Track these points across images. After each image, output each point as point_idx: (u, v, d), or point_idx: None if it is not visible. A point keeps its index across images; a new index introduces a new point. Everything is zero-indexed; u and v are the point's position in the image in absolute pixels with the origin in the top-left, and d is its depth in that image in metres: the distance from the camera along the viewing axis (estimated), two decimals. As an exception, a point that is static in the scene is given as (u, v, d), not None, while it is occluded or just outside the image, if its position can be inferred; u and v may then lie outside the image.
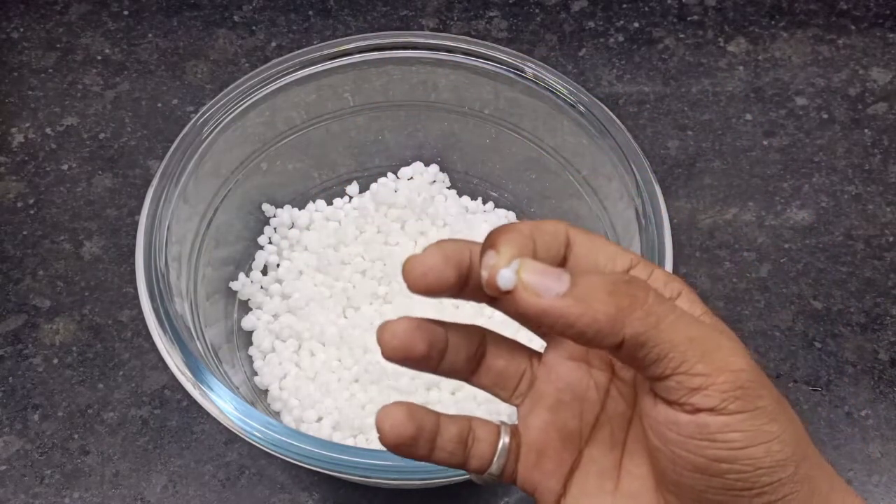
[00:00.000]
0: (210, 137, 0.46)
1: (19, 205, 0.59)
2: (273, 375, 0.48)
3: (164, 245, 0.42)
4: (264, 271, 0.53)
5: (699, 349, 0.24)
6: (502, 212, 0.54)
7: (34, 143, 0.61)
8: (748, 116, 0.62)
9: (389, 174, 0.56)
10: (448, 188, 0.54)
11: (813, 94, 0.62)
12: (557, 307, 0.24)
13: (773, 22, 0.65)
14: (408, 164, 0.55)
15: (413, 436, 0.27)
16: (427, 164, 0.55)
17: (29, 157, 0.61)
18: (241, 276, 0.52)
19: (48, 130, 0.63)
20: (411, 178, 0.55)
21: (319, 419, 0.47)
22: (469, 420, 0.29)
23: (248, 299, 0.51)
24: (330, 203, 0.55)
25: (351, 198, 0.55)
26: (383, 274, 0.50)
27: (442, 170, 0.56)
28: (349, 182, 0.56)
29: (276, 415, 0.47)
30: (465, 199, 0.55)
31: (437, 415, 0.28)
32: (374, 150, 0.54)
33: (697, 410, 0.24)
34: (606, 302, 0.24)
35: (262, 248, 0.54)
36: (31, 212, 0.59)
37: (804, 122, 0.62)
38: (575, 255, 0.27)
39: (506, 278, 0.24)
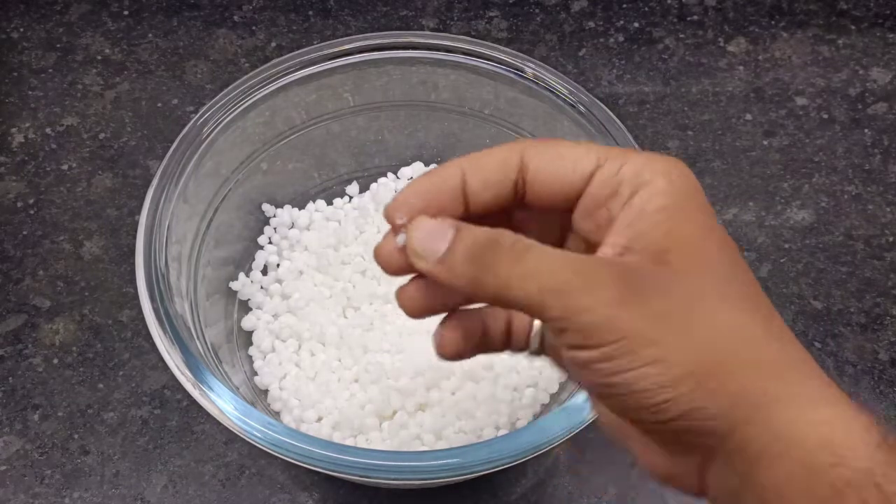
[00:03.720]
0: (210, 137, 0.45)
1: (19, 205, 0.59)
2: (273, 375, 0.48)
3: (164, 245, 0.42)
4: (264, 271, 0.53)
5: (552, 297, 0.26)
6: None
7: (34, 143, 0.61)
8: (748, 116, 0.62)
9: (389, 174, 0.55)
10: None
11: (813, 94, 0.62)
12: (434, 272, 0.27)
13: (773, 22, 0.65)
14: (408, 164, 0.55)
15: (469, 350, 0.30)
16: (427, 164, 0.54)
17: (29, 157, 0.61)
18: (241, 276, 0.51)
19: (48, 130, 0.63)
20: (411, 177, 0.54)
21: (319, 419, 0.46)
22: (508, 313, 0.31)
23: (248, 299, 0.51)
24: (330, 203, 0.55)
25: (351, 198, 0.55)
26: (383, 274, 0.49)
27: None
28: (349, 182, 0.55)
29: (276, 415, 0.47)
30: None
31: (482, 320, 0.31)
32: (374, 150, 0.54)
33: (570, 347, 0.26)
34: (465, 269, 0.26)
35: (262, 248, 0.53)
36: (31, 212, 0.59)
37: (804, 122, 0.62)
38: (533, 172, 0.28)
39: (399, 242, 0.28)
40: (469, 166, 0.29)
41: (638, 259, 0.27)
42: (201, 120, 0.46)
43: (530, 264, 0.26)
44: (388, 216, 0.28)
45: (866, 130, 0.61)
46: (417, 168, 0.54)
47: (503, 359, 0.45)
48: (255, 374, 0.49)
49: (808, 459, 0.25)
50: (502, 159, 0.28)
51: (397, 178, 0.54)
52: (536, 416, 0.46)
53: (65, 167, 0.61)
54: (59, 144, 0.62)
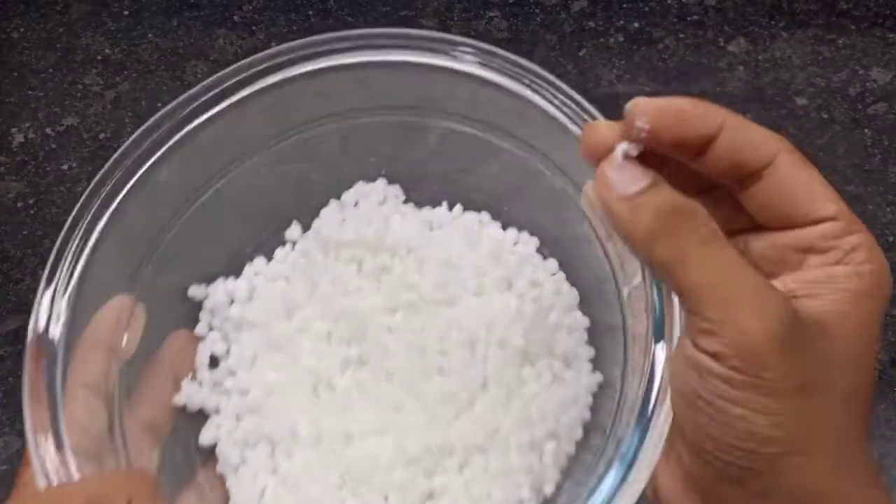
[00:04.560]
0: (93, 240, 0.36)
1: (19, 205, 0.59)
2: (250, 495, 0.39)
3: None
4: (212, 363, 0.42)
5: (716, 296, 0.25)
6: (472, 215, 0.45)
7: (34, 143, 0.61)
8: (748, 116, 0.62)
9: (332, 202, 0.45)
10: (404, 202, 0.45)
11: (813, 94, 0.62)
12: (613, 206, 0.26)
13: (773, 22, 0.65)
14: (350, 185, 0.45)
15: None
16: (369, 181, 0.45)
17: (29, 157, 0.61)
18: (185, 382, 0.40)
19: (48, 130, 0.62)
20: (356, 203, 0.44)
21: None
22: None
23: (200, 408, 0.41)
24: (271, 257, 0.44)
25: (294, 244, 0.44)
26: (351, 334, 0.41)
27: (390, 182, 0.45)
28: (288, 224, 0.45)
29: None
30: (426, 210, 0.45)
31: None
32: (308, 181, 0.45)
33: (698, 348, 0.26)
34: (649, 221, 0.26)
35: (202, 339, 0.42)
36: (31, 212, 0.59)
37: (804, 122, 0.62)
38: (775, 178, 0.27)
39: (618, 153, 0.27)
40: (732, 124, 0.27)
41: (802, 315, 0.26)
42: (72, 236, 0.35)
43: (713, 254, 0.26)
44: (630, 113, 0.27)
45: (866, 130, 0.61)
46: (360, 190, 0.45)
47: (512, 415, 0.39)
48: (228, 498, 0.39)
49: None
50: (759, 144, 0.28)
51: (340, 203, 0.45)
52: (564, 472, 0.39)
53: (65, 167, 0.61)
54: (59, 144, 0.62)
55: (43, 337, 0.34)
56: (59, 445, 0.32)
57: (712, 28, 0.66)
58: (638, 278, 0.33)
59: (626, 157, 0.27)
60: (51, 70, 0.61)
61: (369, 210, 0.43)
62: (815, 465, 0.26)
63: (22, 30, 0.58)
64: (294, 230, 0.44)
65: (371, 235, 0.42)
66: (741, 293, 0.25)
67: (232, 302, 0.42)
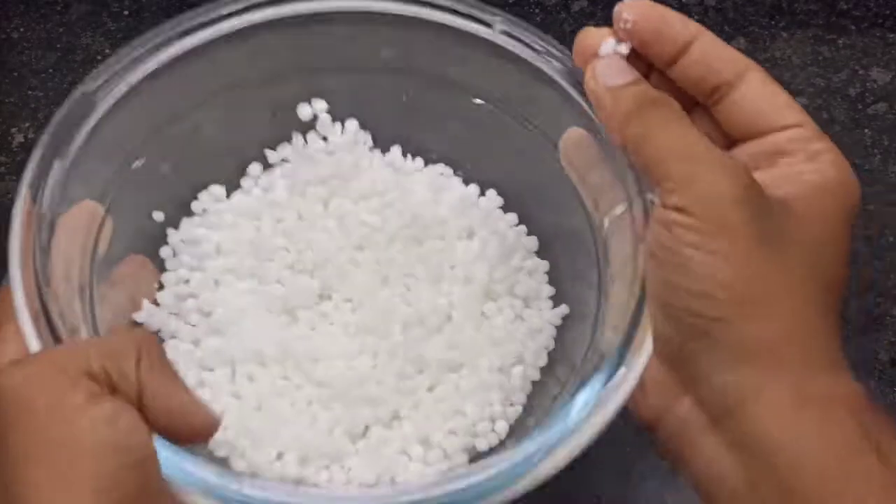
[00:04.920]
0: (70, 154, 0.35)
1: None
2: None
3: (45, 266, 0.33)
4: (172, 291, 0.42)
5: (681, 160, 0.29)
6: (437, 168, 0.45)
7: (34, 143, 0.60)
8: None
9: (296, 138, 0.44)
10: (371, 149, 0.45)
11: (813, 94, 0.62)
12: (599, 94, 0.32)
13: (773, 22, 0.65)
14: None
15: None
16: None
17: (29, 157, 0.61)
18: (146, 303, 0.40)
19: (48, 130, 0.62)
20: (325, 138, 0.44)
21: (280, 456, 0.38)
22: None
23: (159, 329, 0.40)
24: (238, 189, 0.44)
25: (258, 179, 0.44)
26: (315, 266, 0.41)
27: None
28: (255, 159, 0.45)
29: (224, 462, 0.38)
30: (395, 152, 0.44)
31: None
32: (277, 119, 0.44)
33: (665, 206, 0.29)
34: (626, 106, 0.31)
35: (164, 261, 0.42)
36: (31, 212, 0.59)
37: (804, 122, 0.62)
38: (745, 91, 0.31)
39: (605, 47, 0.32)
40: (705, 37, 0.32)
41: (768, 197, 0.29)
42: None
43: (678, 128, 0.30)
44: (618, 12, 0.32)
45: (866, 130, 0.61)
46: (328, 126, 0.44)
47: (480, 339, 0.40)
48: None
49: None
50: (732, 57, 0.31)
51: (305, 143, 0.44)
52: (529, 396, 0.40)
53: (65, 167, 0.61)
54: (59, 144, 0.62)
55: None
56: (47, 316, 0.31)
57: (712, 28, 0.66)
58: (621, 208, 0.35)
59: (616, 54, 0.32)
60: (51, 70, 0.61)
61: (338, 148, 0.44)
62: (772, 317, 0.28)
63: (22, 30, 0.58)
64: (259, 166, 0.44)
65: (339, 175, 0.43)
66: (703, 156, 0.29)
67: (198, 232, 0.43)
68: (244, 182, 0.44)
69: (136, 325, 0.40)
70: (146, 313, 0.40)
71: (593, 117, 0.35)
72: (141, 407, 0.27)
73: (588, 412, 0.30)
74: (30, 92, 0.62)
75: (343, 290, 0.41)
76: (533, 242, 0.43)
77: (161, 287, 0.41)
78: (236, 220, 0.43)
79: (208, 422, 0.29)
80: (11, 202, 0.34)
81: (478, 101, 0.43)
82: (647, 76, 0.32)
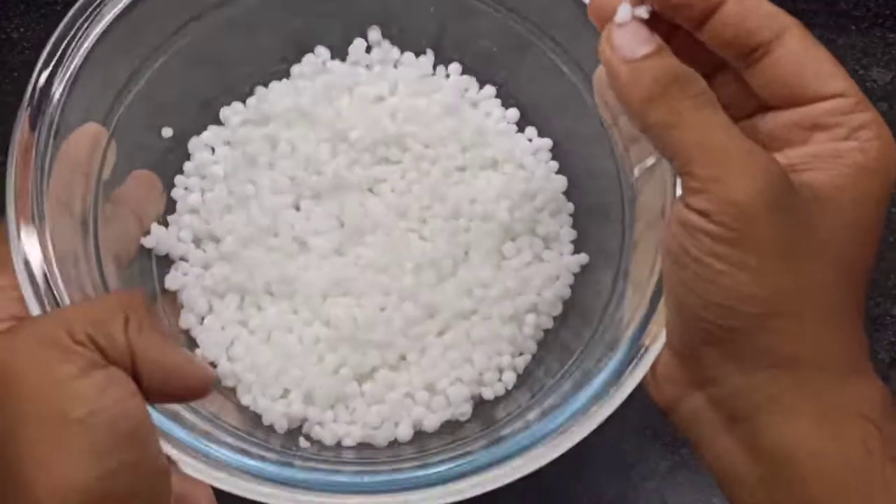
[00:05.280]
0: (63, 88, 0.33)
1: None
2: (218, 344, 0.38)
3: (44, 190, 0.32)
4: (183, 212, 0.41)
5: (707, 155, 0.26)
6: (464, 79, 0.42)
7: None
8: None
9: (318, 51, 0.42)
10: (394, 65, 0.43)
11: (813, 94, 0.62)
12: (615, 67, 0.27)
13: (773, 22, 0.65)
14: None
15: None
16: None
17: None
18: (155, 226, 0.39)
19: (48, 130, 0.62)
20: (346, 58, 0.42)
21: (286, 393, 0.38)
22: None
23: (167, 253, 0.40)
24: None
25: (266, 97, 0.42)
26: (330, 193, 0.40)
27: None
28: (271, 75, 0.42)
29: (232, 392, 0.38)
30: (414, 63, 0.43)
31: None
32: (296, 30, 0.42)
33: (689, 207, 0.26)
34: (647, 85, 0.26)
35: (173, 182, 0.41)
36: (31, 212, 0.59)
37: (804, 122, 0.62)
38: (783, 54, 0.27)
39: (621, 12, 0.27)
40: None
41: (798, 185, 0.26)
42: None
43: (706, 117, 0.26)
44: None
45: (866, 130, 0.61)
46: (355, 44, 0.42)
47: (494, 287, 0.39)
48: (197, 346, 0.39)
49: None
50: (770, 14, 0.27)
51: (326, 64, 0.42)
52: (540, 344, 0.40)
53: (65, 167, 0.61)
54: (59, 144, 0.62)
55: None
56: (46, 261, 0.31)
57: (712, 28, 0.66)
58: (652, 159, 0.33)
59: (636, 19, 0.27)
60: (51, 70, 0.61)
61: (349, 74, 0.42)
62: (796, 330, 0.26)
63: (22, 30, 0.58)
64: (273, 82, 0.42)
65: (355, 95, 0.41)
66: (731, 153, 0.26)
67: (209, 155, 0.41)
68: (255, 101, 0.42)
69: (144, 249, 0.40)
70: (154, 237, 0.39)
71: None
72: (133, 370, 0.26)
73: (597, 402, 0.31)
74: (30, 92, 0.61)
75: (356, 219, 0.39)
76: (561, 182, 0.41)
77: (168, 209, 0.41)
78: (249, 140, 0.41)
79: (203, 378, 0.28)
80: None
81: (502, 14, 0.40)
82: (669, 38, 0.28)
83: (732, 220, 0.25)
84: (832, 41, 0.64)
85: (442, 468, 0.31)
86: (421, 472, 0.31)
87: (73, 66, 0.33)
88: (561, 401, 0.33)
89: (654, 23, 0.27)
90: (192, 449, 0.30)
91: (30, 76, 0.34)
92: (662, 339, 0.30)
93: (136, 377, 0.26)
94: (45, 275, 0.31)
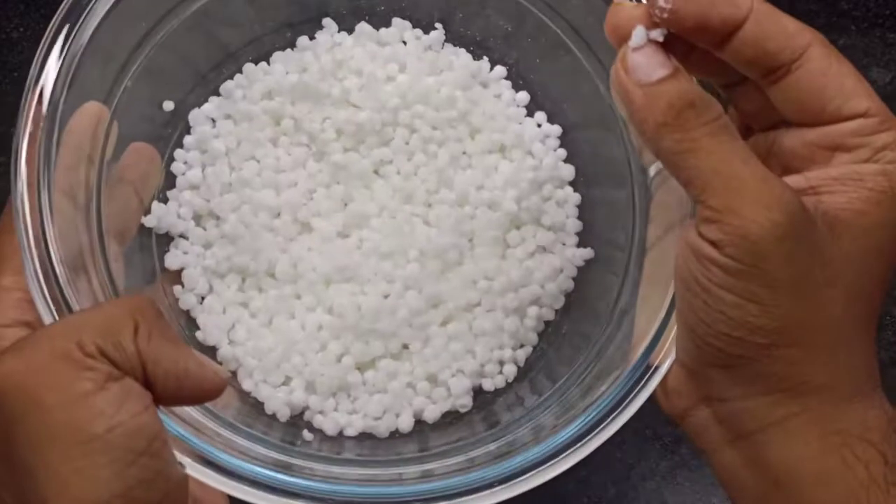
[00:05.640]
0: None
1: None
2: (219, 326, 0.38)
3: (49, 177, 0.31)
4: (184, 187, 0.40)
5: (721, 185, 0.25)
6: (474, 64, 0.41)
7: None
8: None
9: (327, 25, 0.41)
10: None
11: (813, 94, 0.62)
12: (629, 91, 0.26)
13: (773, 22, 0.65)
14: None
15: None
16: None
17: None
18: (156, 204, 0.38)
19: (48, 130, 0.62)
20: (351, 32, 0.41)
21: (287, 381, 0.37)
22: None
23: (167, 231, 0.39)
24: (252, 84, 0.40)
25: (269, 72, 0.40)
26: (334, 174, 0.39)
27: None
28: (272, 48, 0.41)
29: (233, 376, 0.38)
30: (422, 38, 0.41)
31: None
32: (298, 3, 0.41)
33: (701, 236, 0.26)
34: (662, 112, 0.26)
35: (175, 160, 0.40)
36: (32, 212, 0.58)
37: (804, 122, 0.62)
38: (803, 73, 0.26)
39: (636, 37, 0.26)
40: (761, 10, 0.26)
41: (814, 209, 0.26)
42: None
43: (721, 145, 0.26)
44: None
45: (866, 130, 0.61)
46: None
47: (498, 279, 0.38)
48: (197, 328, 0.38)
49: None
50: (790, 35, 0.26)
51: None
52: (541, 336, 0.40)
53: (65, 167, 0.61)
54: (59, 144, 0.62)
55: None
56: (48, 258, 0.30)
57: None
58: None
59: (651, 42, 0.26)
60: (51, 70, 0.61)
61: (360, 54, 0.40)
62: (805, 358, 0.26)
63: (22, 30, 0.57)
64: (282, 59, 0.40)
65: (362, 73, 0.40)
66: (745, 184, 0.25)
67: (212, 125, 0.40)
68: (259, 73, 0.41)
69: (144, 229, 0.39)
70: (154, 217, 0.38)
71: None
72: (146, 378, 0.26)
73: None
74: (30, 92, 0.61)
75: (361, 201, 0.39)
76: (569, 171, 0.40)
77: (168, 184, 0.39)
78: (252, 115, 0.40)
79: (216, 381, 0.28)
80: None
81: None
82: (689, 51, 0.27)
83: (744, 253, 0.25)
84: (832, 41, 0.64)
85: (448, 482, 0.31)
86: (425, 486, 0.31)
87: (77, 45, 0.33)
88: (567, 410, 0.33)
89: (673, 40, 0.27)
90: (196, 453, 0.30)
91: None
92: (672, 356, 0.30)
93: (148, 385, 0.26)
94: (54, 275, 0.30)
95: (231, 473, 0.30)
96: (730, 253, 0.25)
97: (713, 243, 0.25)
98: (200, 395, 0.28)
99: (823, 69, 0.26)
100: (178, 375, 0.26)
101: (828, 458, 0.26)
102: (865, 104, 0.26)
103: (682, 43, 0.27)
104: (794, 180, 0.27)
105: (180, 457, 0.29)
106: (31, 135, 0.31)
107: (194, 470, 0.29)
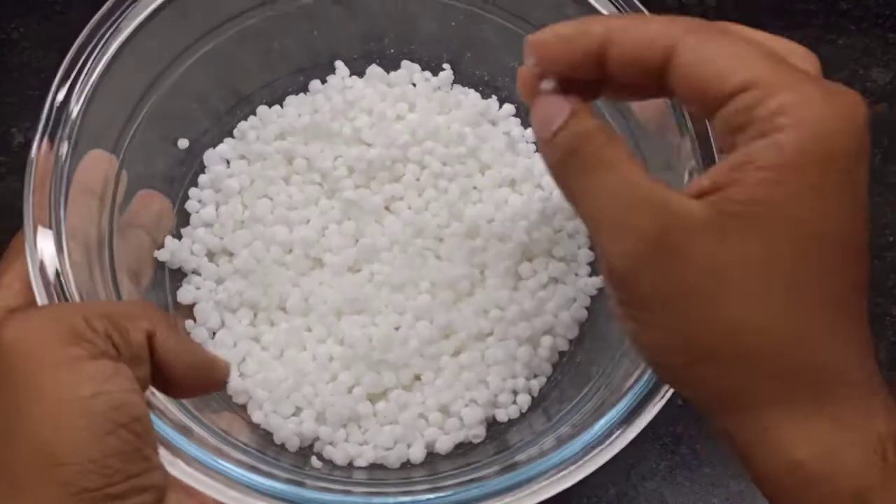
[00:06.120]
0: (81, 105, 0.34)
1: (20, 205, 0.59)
2: (229, 360, 0.37)
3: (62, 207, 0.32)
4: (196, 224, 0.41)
5: (592, 223, 0.26)
6: (480, 101, 0.43)
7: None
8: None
9: (339, 68, 0.42)
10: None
11: (813, 94, 0.62)
12: (542, 147, 0.27)
13: (773, 22, 0.65)
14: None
15: None
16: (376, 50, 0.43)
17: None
18: (169, 239, 0.39)
19: (48, 130, 0.62)
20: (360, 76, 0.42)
21: (298, 412, 0.38)
22: None
23: (180, 266, 0.40)
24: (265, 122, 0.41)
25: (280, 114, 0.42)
26: (345, 209, 0.40)
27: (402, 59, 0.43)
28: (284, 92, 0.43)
29: (242, 409, 0.38)
30: (432, 81, 0.43)
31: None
32: (311, 46, 0.43)
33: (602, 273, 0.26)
34: (554, 164, 0.27)
35: (189, 198, 0.41)
36: (32, 212, 0.59)
37: (804, 122, 0.62)
38: (679, 67, 0.25)
39: (542, 85, 0.27)
40: (617, 31, 0.26)
41: (710, 210, 0.24)
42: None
43: (591, 185, 0.26)
44: (525, 51, 0.27)
45: (866, 130, 0.61)
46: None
47: (510, 309, 0.39)
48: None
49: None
50: (651, 40, 0.26)
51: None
52: (555, 366, 0.40)
53: (65, 167, 0.61)
54: (59, 144, 0.62)
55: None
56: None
57: (712, 28, 0.66)
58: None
59: (547, 92, 0.27)
60: (51, 70, 0.61)
61: (370, 94, 0.41)
62: (732, 370, 0.25)
63: (22, 30, 0.58)
64: (294, 102, 0.42)
65: (372, 112, 0.41)
66: (603, 217, 0.25)
67: (226, 166, 0.41)
68: (272, 115, 0.42)
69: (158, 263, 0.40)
70: (168, 251, 0.39)
71: None
72: (143, 369, 0.26)
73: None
74: (30, 92, 0.61)
75: (372, 235, 0.39)
76: None
77: (182, 222, 0.41)
78: (265, 155, 0.41)
79: (225, 369, 0.30)
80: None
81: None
82: (596, 87, 0.28)
83: (615, 283, 0.26)
84: (832, 41, 0.64)
85: (453, 493, 0.31)
86: (432, 496, 0.31)
87: (90, 81, 0.34)
88: (576, 431, 0.33)
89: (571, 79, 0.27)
90: (202, 465, 0.30)
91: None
92: None
93: (157, 378, 0.27)
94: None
95: (235, 484, 0.30)
96: (610, 287, 0.26)
97: (606, 281, 0.26)
98: (211, 383, 0.30)
99: (697, 55, 0.25)
100: (195, 365, 0.28)
101: (818, 464, 0.25)
102: (742, 76, 0.24)
103: (580, 81, 0.27)
104: (698, 183, 0.25)
105: (184, 468, 0.29)
106: (39, 178, 0.32)
107: (199, 483, 0.30)
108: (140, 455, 0.25)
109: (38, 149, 0.32)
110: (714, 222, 0.24)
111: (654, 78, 0.26)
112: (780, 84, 0.24)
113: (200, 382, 0.29)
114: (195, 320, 0.39)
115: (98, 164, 0.35)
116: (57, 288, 0.31)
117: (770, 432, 0.25)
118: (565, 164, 0.26)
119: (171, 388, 0.28)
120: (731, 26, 0.28)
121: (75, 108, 0.33)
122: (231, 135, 0.42)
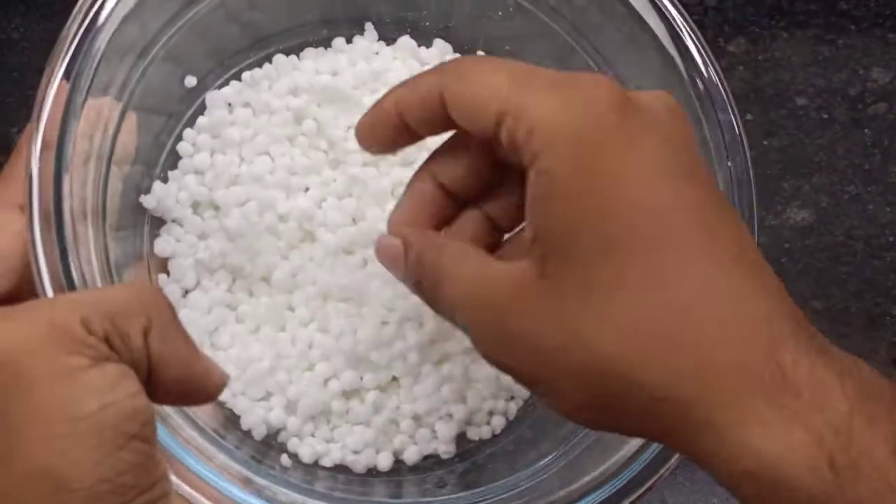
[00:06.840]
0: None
1: (19, 205, 0.59)
2: (199, 327, 0.35)
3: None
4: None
5: (458, 315, 0.28)
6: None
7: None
8: (748, 116, 0.62)
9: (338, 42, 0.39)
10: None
11: (813, 94, 0.62)
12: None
13: (773, 22, 0.65)
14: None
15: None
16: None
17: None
18: (157, 185, 0.36)
19: (48, 130, 0.62)
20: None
21: (267, 396, 0.35)
22: None
23: (161, 214, 0.37)
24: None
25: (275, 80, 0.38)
26: (346, 186, 0.37)
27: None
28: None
29: None
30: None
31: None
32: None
33: None
34: (412, 279, 0.29)
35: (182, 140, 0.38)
36: (32, 212, 0.59)
37: (804, 122, 0.62)
38: (451, 111, 0.26)
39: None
40: (403, 99, 0.27)
41: (533, 264, 0.25)
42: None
43: (443, 289, 0.27)
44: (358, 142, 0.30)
45: (866, 130, 0.61)
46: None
47: None
48: None
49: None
50: (422, 98, 0.27)
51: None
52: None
53: (65, 167, 0.61)
54: (59, 144, 0.62)
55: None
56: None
57: (712, 28, 0.66)
58: None
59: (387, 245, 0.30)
60: (51, 70, 0.61)
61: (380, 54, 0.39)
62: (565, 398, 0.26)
63: (22, 30, 0.58)
64: (314, 57, 0.38)
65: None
66: (458, 318, 0.28)
67: (229, 111, 0.38)
68: (288, 66, 0.39)
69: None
70: (154, 197, 0.36)
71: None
72: (152, 376, 0.24)
73: None
74: (30, 92, 0.61)
75: (374, 220, 0.36)
76: None
77: (171, 164, 0.37)
78: (273, 109, 0.38)
79: (219, 385, 0.27)
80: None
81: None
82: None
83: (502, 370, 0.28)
84: (832, 41, 0.64)
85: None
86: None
87: (103, 15, 0.33)
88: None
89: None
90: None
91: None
92: None
93: (149, 381, 0.25)
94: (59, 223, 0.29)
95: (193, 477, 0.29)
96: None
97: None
98: (204, 396, 0.27)
99: (458, 97, 0.26)
100: (185, 380, 0.25)
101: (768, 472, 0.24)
102: (494, 106, 0.25)
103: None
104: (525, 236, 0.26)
105: None
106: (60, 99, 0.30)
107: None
108: (152, 462, 0.23)
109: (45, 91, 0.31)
110: (536, 270, 0.25)
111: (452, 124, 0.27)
112: (527, 99, 0.24)
113: (187, 396, 0.26)
114: (168, 274, 0.36)
115: (92, 116, 0.33)
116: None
117: (723, 446, 0.24)
118: (420, 288, 0.28)
119: (153, 393, 0.25)
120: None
121: (89, 45, 0.32)
122: (238, 78, 0.38)
